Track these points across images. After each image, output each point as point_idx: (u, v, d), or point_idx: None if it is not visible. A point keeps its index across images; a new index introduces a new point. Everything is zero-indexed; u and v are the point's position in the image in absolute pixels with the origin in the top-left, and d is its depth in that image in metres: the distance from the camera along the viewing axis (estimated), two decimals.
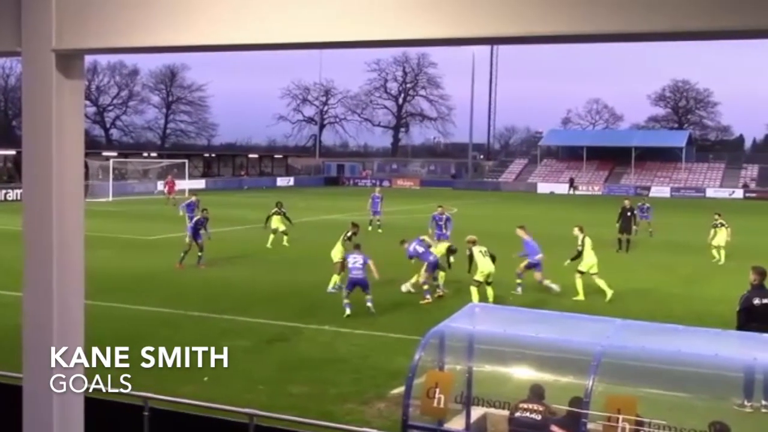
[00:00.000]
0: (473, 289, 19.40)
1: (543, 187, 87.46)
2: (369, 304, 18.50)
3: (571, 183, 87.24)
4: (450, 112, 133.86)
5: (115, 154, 76.68)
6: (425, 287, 20.30)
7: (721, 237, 28.74)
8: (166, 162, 76.60)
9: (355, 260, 18.77)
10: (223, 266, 26.03)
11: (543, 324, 9.49)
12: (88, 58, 2.40)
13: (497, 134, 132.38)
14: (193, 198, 30.87)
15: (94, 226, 33.38)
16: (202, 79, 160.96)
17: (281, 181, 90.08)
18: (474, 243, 19.98)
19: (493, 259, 19.74)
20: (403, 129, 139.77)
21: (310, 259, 27.23)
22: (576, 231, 21.57)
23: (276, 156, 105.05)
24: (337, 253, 21.54)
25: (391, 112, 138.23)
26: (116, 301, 19.21)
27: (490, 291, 19.71)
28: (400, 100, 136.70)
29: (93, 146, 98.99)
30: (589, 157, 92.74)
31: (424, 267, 20.53)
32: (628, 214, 32.05)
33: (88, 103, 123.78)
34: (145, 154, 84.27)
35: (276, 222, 31.19)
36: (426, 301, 19.96)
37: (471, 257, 19.86)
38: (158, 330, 16.33)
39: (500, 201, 66.62)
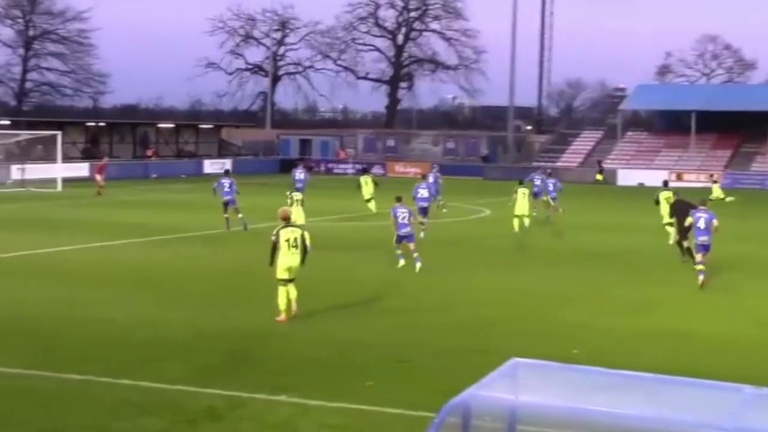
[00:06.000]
0: (281, 289, 23.20)
1: (627, 176, 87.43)
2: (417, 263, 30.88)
3: (599, 166, 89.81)
4: (479, 57, 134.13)
5: None
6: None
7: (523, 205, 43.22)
8: (25, 134, 75.67)
9: (403, 215, 31.42)
10: (115, 303, 25.98)
11: (624, 391, 9.49)
12: None
13: (554, 93, 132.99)
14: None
15: None
16: (82, 2, 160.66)
17: (210, 166, 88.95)
18: (285, 221, 23.80)
19: (305, 251, 23.45)
20: (404, 84, 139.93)
21: (242, 291, 27.60)
22: None
23: (202, 126, 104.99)
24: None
25: (386, 58, 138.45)
26: None
27: (292, 290, 23.23)
28: (400, 39, 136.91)
29: None
30: (701, 129, 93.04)
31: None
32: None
33: None
34: None
35: (369, 190, 49.72)
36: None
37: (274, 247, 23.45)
38: (19, 406, 16.31)
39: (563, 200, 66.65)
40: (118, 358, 19.68)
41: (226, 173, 44.80)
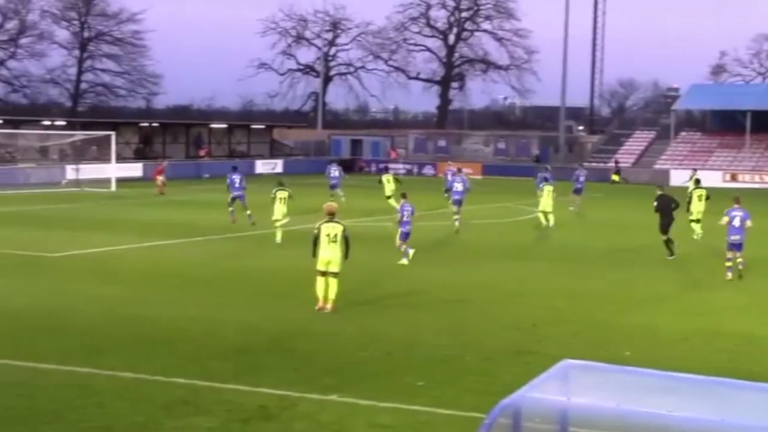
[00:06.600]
0: (318, 279, 24.35)
1: (680, 177, 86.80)
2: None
3: (616, 167, 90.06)
4: (530, 57, 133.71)
5: None
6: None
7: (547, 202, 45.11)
8: (79, 134, 76.32)
9: (408, 212, 33.16)
10: (165, 302, 26.16)
11: (678, 394, 9.42)
12: None
13: (606, 93, 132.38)
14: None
15: None
16: (136, 3, 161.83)
17: (263, 166, 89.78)
18: (330, 216, 24.68)
19: (348, 247, 24.58)
20: (455, 84, 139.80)
21: (289, 290, 27.56)
22: None
23: (254, 126, 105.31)
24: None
25: (437, 58, 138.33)
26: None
27: (333, 286, 24.29)
28: (452, 39, 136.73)
29: None
30: (756, 129, 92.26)
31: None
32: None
33: None
34: (47, 122, 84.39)
35: (391, 187, 52.70)
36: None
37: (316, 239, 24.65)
38: (73, 403, 16.49)
39: (606, 200, 66.36)
40: (170, 356, 19.83)
41: (234, 169, 49.52)
